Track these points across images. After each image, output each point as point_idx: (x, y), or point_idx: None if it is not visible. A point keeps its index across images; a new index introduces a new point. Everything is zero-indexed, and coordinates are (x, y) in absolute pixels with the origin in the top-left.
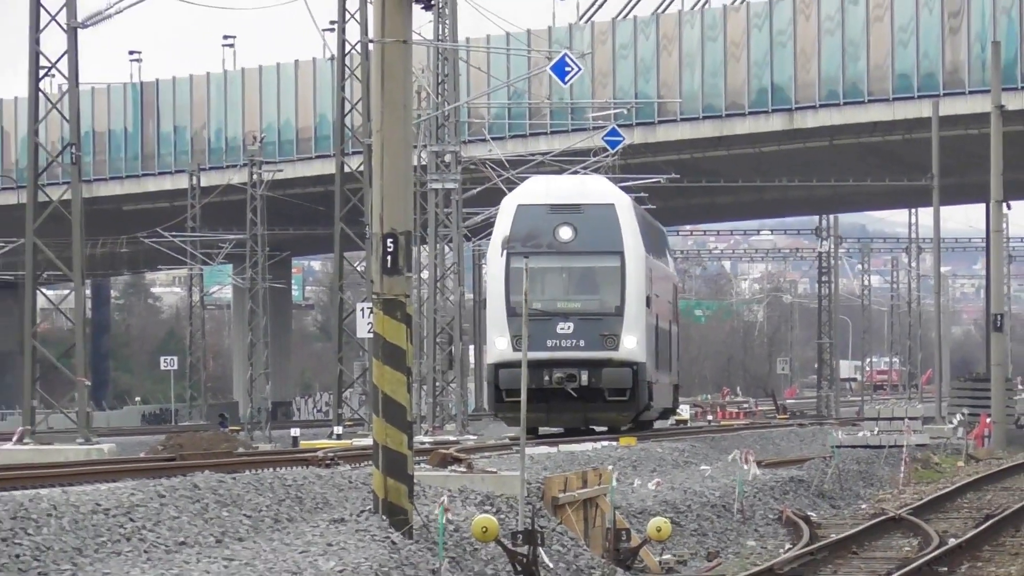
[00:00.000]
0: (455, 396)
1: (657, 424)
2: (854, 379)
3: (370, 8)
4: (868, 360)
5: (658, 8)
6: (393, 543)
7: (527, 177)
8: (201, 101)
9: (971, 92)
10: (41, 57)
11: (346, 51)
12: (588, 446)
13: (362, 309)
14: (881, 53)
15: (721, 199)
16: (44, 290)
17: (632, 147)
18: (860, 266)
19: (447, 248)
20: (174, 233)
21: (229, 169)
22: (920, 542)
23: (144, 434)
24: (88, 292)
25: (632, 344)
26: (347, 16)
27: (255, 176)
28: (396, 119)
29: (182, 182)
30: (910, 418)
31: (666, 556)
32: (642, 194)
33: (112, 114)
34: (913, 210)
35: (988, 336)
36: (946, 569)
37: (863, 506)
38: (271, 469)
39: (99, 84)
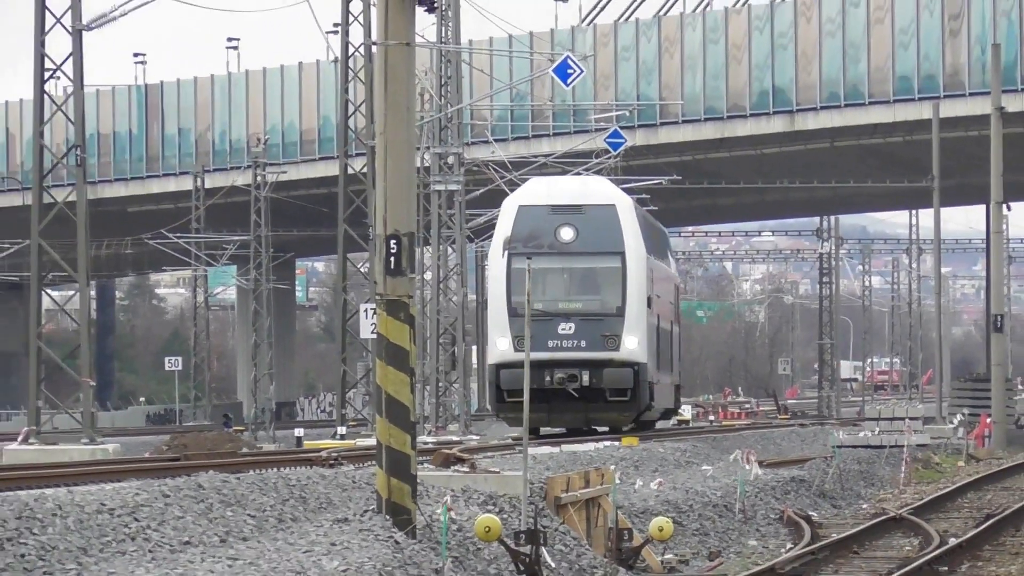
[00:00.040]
0: (458, 396)
1: (659, 424)
2: (855, 379)
3: (373, 11)
4: (869, 360)
5: (660, 11)
6: (397, 543)
7: (530, 179)
8: (205, 103)
9: (971, 94)
10: (46, 59)
11: (350, 53)
12: (590, 446)
13: (365, 310)
14: (882, 55)
15: (723, 200)
16: (49, 291)
17: (634, 149)
18: (861, 267)
19: (450, 249)
20: (178, 234)
21: (233, 171)
22: (921, 542)
23: (148, 434)
24: (93, 293)
25: (633, 344)
26: (351, 19)
27: (259, 178)
28: (399, 121)
29: (186, 184)
30: (911, 418)
31: (668, 556)
32: (644, 195)
33: (117, 116)
34: (913, 211)
35: (988, 337)
36: (947, 568)
37: (864, 506)
38: (275, 469)
39: (104, 86)
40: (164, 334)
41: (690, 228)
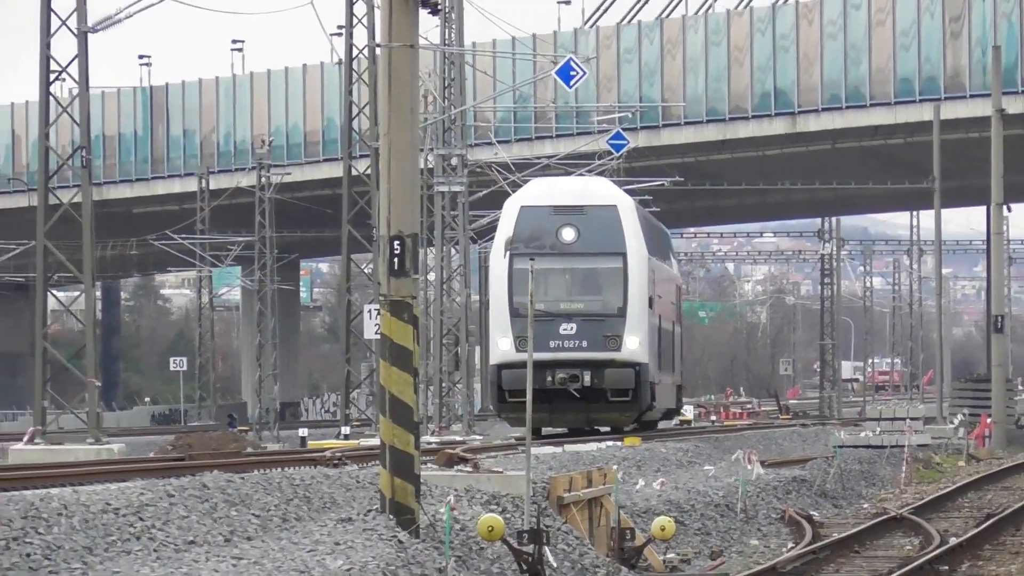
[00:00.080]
0: (461, 396)
1: (661, 424)
2: (856, 380)
3: (377, 13)
4: (870, 361)
5: (662, 13)
6: (400, 542)
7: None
8: (210, 105)
9: (972, 96)
10: (52, 61)
11: (354, 55)
12: (593, 446)
13: (369, 311)
14: (883, 57)
15: (724, 202)
16: (55, 292)
17: (636, 150)
18: (862, 268)
19: (453, 250)
20: (183, 235)
21: (238, 172)
22: (921, 541)
23: (154, 434)
24: (98, 294)
25: (635, 345)
26: (355, 21)
27: (263, 179)
28: (403, 123)
29: (191, 185)
30: (911, 418)
31: (670, 555)
32: (647, 197)
33: (122, 118)
34: (914, 213)
35: (989, 337)
36: (947, 568)
37: (865, 505)
38: (279, 469)
39: (109, 88)
40: (169, 335)
41: (692, 229)
